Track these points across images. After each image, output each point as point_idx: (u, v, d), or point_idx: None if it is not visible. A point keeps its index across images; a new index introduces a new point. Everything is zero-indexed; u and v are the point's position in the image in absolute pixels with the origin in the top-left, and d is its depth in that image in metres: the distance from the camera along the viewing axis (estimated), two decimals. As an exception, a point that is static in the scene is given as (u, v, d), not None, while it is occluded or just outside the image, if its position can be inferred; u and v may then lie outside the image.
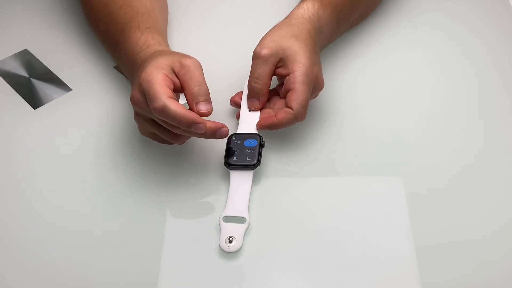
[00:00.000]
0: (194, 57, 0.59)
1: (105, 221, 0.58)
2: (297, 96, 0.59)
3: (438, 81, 0.73)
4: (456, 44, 0.77)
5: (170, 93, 0.55)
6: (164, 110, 0.53)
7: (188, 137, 0.60)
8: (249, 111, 0.64)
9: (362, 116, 0.68)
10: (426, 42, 0.78)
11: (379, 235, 0.57)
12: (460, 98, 0.70)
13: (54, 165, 0.63)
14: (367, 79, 0.73)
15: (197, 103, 0.56)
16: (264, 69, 0.61)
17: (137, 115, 0.59)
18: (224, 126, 0.57)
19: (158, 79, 0.55)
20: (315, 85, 0.61)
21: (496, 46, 0.77)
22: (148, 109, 0.56)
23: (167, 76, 0.56)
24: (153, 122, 0.58)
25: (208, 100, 0.57)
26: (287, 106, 0.59)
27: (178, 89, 0.57)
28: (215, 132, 0.56)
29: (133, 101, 0.57)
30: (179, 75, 0.57)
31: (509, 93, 0.71)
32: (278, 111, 0.60)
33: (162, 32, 0.68)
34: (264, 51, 0.60)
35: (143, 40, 0.63)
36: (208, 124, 0.55)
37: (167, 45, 0.65)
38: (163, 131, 0.58)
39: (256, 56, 0.61)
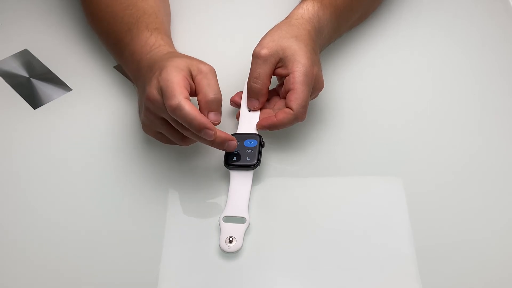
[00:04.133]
0: (196, 58, 0.59)
1: (105, 221, 0.58)
2: (296, 97, 0.59)
3: (438, 81, 0.73)
4: (456, 44, 0.78)
5: (187, 94, 0.55)
6: (177, 109, 0.53)
7: (195, 141, 0.60)
8: (249, 111, 0.64)
9: (362, 116, 0.68)
10: (426, 42, 0.78)
11: (379, 235, 0.57)
12: (460, 98, 0.70)
13: (54, 165, 0.63)
14: (367, 79, 0.73)
15: (209, 112, 0.57)
16: (264, 69, 0.61)
17: (148, 112, 0.59)
18: (233, 139, 0.57)
19: (177, 79, 0.55)
20: (315, 86, 0.61)
21: (496, 46, 0.77)
22: (163, 108, 0.56)
23: (186, 78, 0.56)
24: (163, 122, 0.58)
25: (219, 111, 0.57)
26: (287, 107, 0.59)
27: (192, 93, 0.58)
28: (224, 143, 0.56)
29: (149, 99, 0.57)
30: (195, 79, 0.58)
31: (509, 93, 0.71)
32: (278, 111, 0.60)
33: (168, 34, 0.68)
34: (264, 51, 0.60)
35: (153, 40, 0.63)
36: (219, 133, 0.56)
37: (174, 47, 0.66)
38: (171, 132, 0.58)
39: (255, 56, 0.61)
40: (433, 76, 0.74)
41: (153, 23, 0.66)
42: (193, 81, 0.58)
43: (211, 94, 0.57)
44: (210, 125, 0.54)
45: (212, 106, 0.57)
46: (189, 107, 0.54)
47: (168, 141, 0.60)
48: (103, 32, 0.71)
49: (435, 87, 0.72)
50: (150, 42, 0.63)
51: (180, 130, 0.57)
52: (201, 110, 0.57)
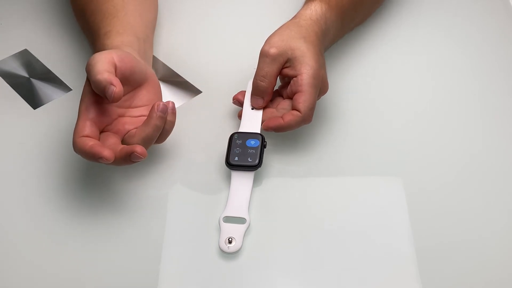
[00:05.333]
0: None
1: (105, 221, 0.58)
2: (305, 99, 0.59)
3: (439, 81, 0.73)
4: (456, 44, 0.78)
5: (86, 129, 0.55)
6: (75, 151, 0.55)
7: (165, 136, 0.59)
8: (252, 109, 0.64)
9: (362, 117, 0.68)
10: (426, 42, 0.78)
11: (379, 235, 0.57)
12: (460, 98, 0.71)
13: (54, 165, 0.63)
14: (367, 80, 0.73)
15: (104, 96, 0.54)
16: (271, 68, 0.60)
17: None
18: (133, 150, 0.53)
19: (79, 116, 0.56)
20: (320, 89, 0.61)
21: (496, 46, 0.77)
22: None
23: (90, 104, 0.56)
24: None
25: (110, 83, 0.54)
26: (294, 108, 0.59)
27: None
28: (127, 160, 0.54)
29: None
30: None
31: (509, 93, 0.71)
32: (285, 113, 0.60)
33: (129, 29, 0.65)
34: (273, 50, 0.60)
35: (97, 49, 0.62)
36: (117, 155, 0.53)
37: (132, 41, 0.64)
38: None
39: (264, 55, 0.61)
40: (433, 76, 0.74)
41: (106, 26, 0.64)
42: None
43: (92, 86, 0.55)
44: (101, 154, 0.52)
45: (98, 89, 0.54)
46: (79, 146, 0.54)
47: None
48: (87, 40, 0.71)
49: (435, 87, 0.72)
50: (98, 50, 0.61)
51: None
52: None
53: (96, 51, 0.62)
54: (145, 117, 0.57)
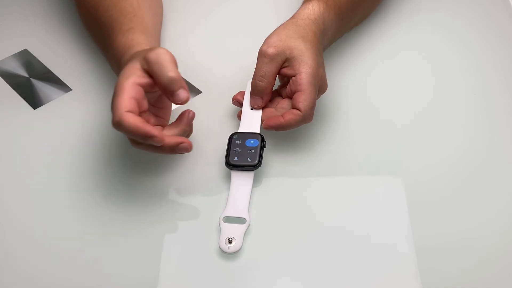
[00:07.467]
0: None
1: (105, 221, 0.58)
2: (305, 98, 0.58)
3: (439, 81, 0.73)
4: (457, 44, 0.78)
5: (131, 105, 0.53)
6: (119, 125, 0.52)
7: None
8: (251, 109, 0.64)
9: (363, 116, 0.68)
10: (426, 42, 0.78)
11: (379, 234, 0.57)
12: (460, 98, 0.70)
13: (54, 165, 0.63)
14: (367, 79, 0.73)
15: (171, 94, 0.54)
16: (270, 68, 0.60)
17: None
18: (184, 141, 0.55)
19: (123, 91, 0.53)
20: (320, 88, 0.61)
21: (496, 46, 0.77)
22: None
23: (136, 83, 0.54)
24: None
25: (183, 87, 0.54)
26: (294, 108, 0.59)
27: (154, 87, 0.56)
28: (174, 148, 0.55)
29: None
30: (150, 72, 0.55)
31: (509, 93, 0.71)
32: (285, 112, 0.60)
33: (148, 30, 0.65)
34: (271, 50, 0.60)
35: (124, 42, 0.61)
36: (167, 140, 0.54)
37: (152, 42, 0.63)
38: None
39: (262, 55, 0.60)
40: (434, 75, 0.74)
41: (128, 23, 0.64)
42: (151, 75, 0.55)
43: (164, 78, 0.54)
44: (153, 131, 0.52)
45: (172, 87, 0.54)
46: (129, 119, 0.51)
47: (154, 150, 0.58)
48: (94, 36, 0.71)
49: (435, 86, 0.72)
50: (121, 46, 0.61)
51: (134, 146, 0.56)
52: (166, 96, 0.55)
53: (119, 45, 0.61)
54: (162, 119, 0.59)
